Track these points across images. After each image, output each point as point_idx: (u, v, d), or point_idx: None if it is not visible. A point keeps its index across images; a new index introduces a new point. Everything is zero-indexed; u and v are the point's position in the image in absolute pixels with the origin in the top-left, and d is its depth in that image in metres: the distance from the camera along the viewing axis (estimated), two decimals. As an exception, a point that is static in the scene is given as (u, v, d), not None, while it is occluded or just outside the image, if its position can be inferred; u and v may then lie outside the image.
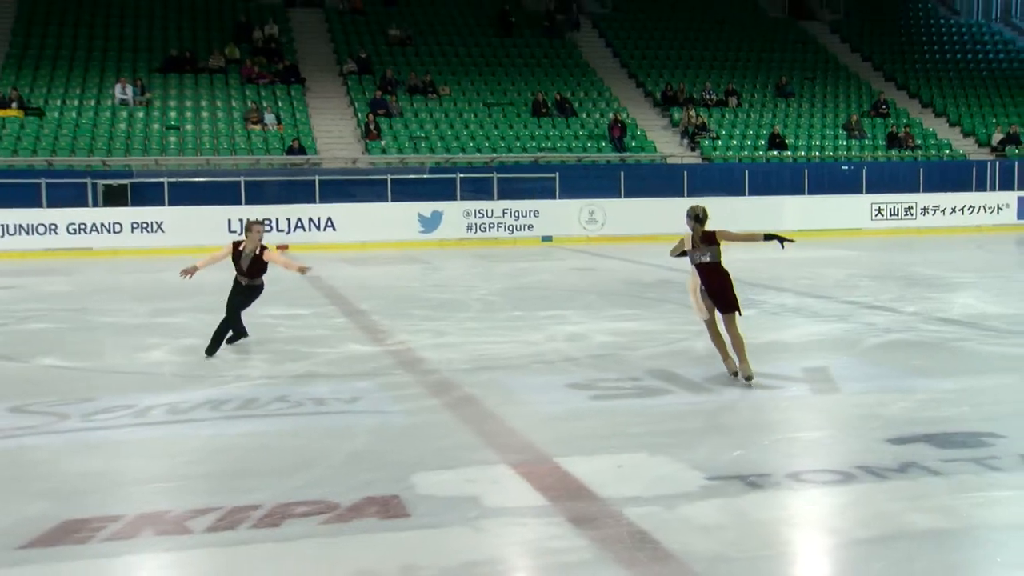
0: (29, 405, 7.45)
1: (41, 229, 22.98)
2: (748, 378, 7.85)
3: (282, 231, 24.20)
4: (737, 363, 7.95)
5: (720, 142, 29.98)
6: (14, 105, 26.25)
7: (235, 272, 9.79)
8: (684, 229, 8.23)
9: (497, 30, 34.18)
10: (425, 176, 26.09)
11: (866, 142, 31.04)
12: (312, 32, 33.03)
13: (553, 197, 26.12)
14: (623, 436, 6.44)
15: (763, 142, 30.22)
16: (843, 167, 29.05)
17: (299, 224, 24.34)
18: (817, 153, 30.27)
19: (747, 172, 27.76)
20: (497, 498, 5.16)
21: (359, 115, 28.69)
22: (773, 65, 34.85)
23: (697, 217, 8.04)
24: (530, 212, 25.59)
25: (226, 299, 9.83)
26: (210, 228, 23.61)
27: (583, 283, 15.99)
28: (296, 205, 24.48)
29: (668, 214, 26.10)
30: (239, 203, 24.20)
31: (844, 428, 6.69)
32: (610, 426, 6.73)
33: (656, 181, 26.86)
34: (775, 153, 29.69)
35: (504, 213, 25.35)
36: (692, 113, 30.35)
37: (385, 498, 5.15)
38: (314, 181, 24.96)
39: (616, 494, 5.17)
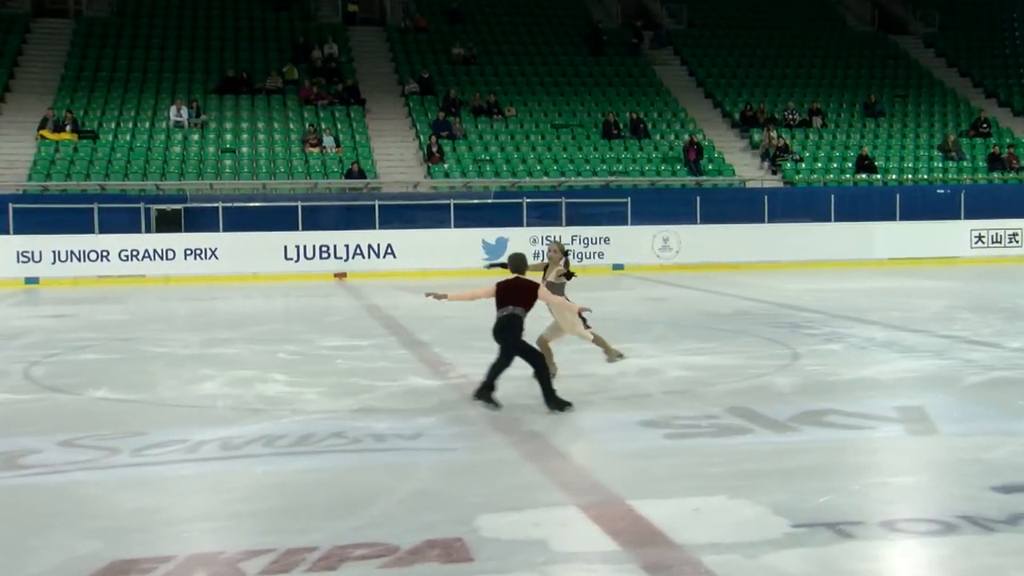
0: (80, 439, 7.60)
1: (93, 256, 23.58)
2: (621, 356, 9.74)
3: (340, 258, 24.52)
4: (609, 355, 9.70)
5: (804, 165, 29.69)
6: (68, 128, 27.06)
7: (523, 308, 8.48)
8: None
9: (588, 48, 34.38)
10: (490, 201, 26.26)
11: (964, 164, 30.51)
12: (373, 51, 33.58)
13: (624, 223, 26.09)
14: (700, 477, 6.36)
15: (850, 164, 29.86)
16: (939, 191, 28.56)
17: (358, 251, 24.63)
18: (910, 176, 29.81)
19: (833, 197, 27.41)
20: (566, 542, 5.12)
21: (421, 137, 29.01)
22: (861, 82, 34.51)
23: (566, 251, 9.63)
24: (600, 239, 25.59)
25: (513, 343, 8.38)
26: (266, 255, 24.08)
27: (654, 314, 15.89)
28: (355, 231, 24.81)
29: (748, 241, 26.00)
30: (296, 229, 24.62)
31: (943, 473, 6.52)
32: (686, 467, 6.66)
33: (734, 206, 26.68)
34: (863, 176, 29.31)
35: (572, 240, 25.37)
36: (773, 134, 30.13)
37: (447, 541, 5.14)
38: (374, 206, 25.26)
39: (693, 540, 5.10)
